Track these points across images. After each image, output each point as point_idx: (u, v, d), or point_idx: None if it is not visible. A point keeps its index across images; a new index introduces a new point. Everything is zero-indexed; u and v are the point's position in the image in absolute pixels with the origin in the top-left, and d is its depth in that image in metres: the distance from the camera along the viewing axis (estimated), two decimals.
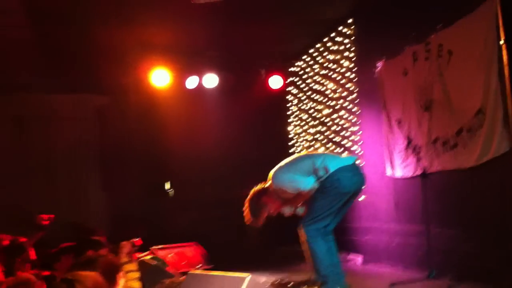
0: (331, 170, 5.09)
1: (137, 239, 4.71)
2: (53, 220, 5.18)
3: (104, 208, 10.15)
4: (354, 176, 5.24)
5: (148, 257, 5.74)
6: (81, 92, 10.20)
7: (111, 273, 3.31)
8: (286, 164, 5.42)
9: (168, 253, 6.31)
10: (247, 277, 3.78)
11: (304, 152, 9.74)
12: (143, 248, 6.21)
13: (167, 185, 10.06)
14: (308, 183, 5.13)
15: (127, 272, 4.29)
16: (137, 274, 4.39)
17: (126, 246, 4.41)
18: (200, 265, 6.26)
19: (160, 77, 9.25)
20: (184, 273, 4.91)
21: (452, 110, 5.79)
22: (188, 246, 6.83)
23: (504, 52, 3.66)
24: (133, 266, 4.40)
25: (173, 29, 8.14)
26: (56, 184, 10.06)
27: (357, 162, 5.47)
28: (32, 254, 5.00)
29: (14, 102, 9.81)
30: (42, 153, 10.03)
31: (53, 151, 10.13)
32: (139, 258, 5.57)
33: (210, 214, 9.65)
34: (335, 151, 8.56)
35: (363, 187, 5.42)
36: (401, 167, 6.77)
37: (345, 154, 6.91)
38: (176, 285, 4.65)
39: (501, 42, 3.69)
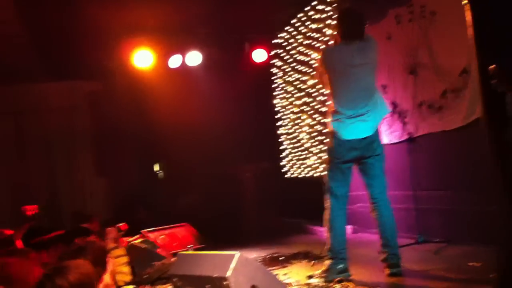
0: None
1: (122, 224, 4.67)
2: (38, 210, 5.11)
3: (101, 193, 10.19)
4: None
5: (138, 240, 5.71)
6: (71, 79, 10.13)
7: (100, 259, 3.29)
8: None
9: (159, 235, 6.27)
10: (237, 254, 3.74)
11: (289, 125, 9.75)
12: (137, 232, 6.20)
13: (156, 167, 10.02)
14: None
15: (116, 257, 4.27)
16: (125, 259, 4.37)
17: (111, 232, 4.37)
18: (191, 245, 6.24)
19: (142, 58, 9.12)
20: (175, 254, 4.87)
21: (437, 71, 5.76)
22: (179, 227, 6.80)
23: (468, 13, 3.58)
24: (121, 251, 4.38)
25: (154, 8, 7.99)
26: (52, 172, 10.10)
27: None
28: (19, 244, 4.96)
29: (9, 94, 9.75)
30: (36, 142, 10.03)
31: (47, 140, 10.12)
32: (129, 242, 5.55)
33: (203, 192, 9.63)
34: (321, 121, 8.51)
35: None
36: (387, 133, 6.73)
37: None
38: (167, 266, 4.62)
39: (464, 2, 3.61)
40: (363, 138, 4.73)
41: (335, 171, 4.88)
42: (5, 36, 7.94)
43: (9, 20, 7.64)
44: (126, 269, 4.30)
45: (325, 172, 5.00)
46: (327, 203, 4.85)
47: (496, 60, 2.97)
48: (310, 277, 4.63)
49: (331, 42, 5.40)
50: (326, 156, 5.09)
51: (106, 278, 3.27)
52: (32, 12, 7.66)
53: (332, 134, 4.85)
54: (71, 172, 10.16)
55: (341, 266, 4.61)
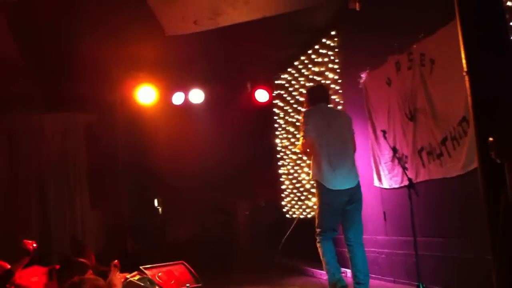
0: None
1: (115, 261, 4.66)
2: (36, 246, 5.12)
3: (93, 225, 10.13)
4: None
5: (136, 277, 5.66)
6: (69, 111, 10.19)
7: None
8: None
9: (156, 272, 6.23)
10: None
11: (290, 166, 9.77)
12: (132, 265, 6.16)
13: (156, 202, 10.02)
14: None
15: None
16: None
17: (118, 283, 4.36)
18: (188, 284, 6.20)
19: (146, 94, 9.23)
20: None
21: (436, 119, 5.81)
22: (176, 265, 6.76)
23: (467, 84, 3.69)
24: None
25: (157, 45, 8.12)
26: (46, 201, 10.06)
27: None
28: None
29: (3, 121, 9.78)
30: (32, 171, 10.01)
31: (42, 168, 10.10)
32: (127, 278, 5.51)
33: (198, 227, 9.62)
34: None
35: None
36: (388, 178, 6.77)
37: None
38: None
39: (464, 73, 3.72)
40: (349, 188, 5.54)
41: (325, 215, 5.56)
42: (4, 63, 7.99)
43: (7, 47, 7.65)
44: None
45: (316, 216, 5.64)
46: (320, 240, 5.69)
47: (493, 131, 3.07)
48: None
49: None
50: (317, 204, 5.64)
51: None
52: (33, 44, 7.76)
53: (318, 186, 5.55)
54: (64, 202, 10.12)
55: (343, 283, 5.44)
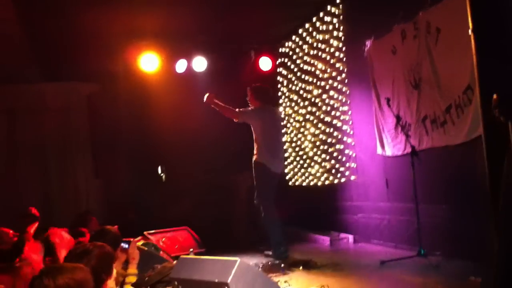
0: None
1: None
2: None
3: (95, 195, 10.14)
4: None
5: (140, 242, 5.74)
6: (70, 80, 10.11)
7: (105, 263, 3.28)
8: None
9: (160, 238, 6.33)
10: (238, 260, 3.77)
11: (293, 134, 9.79)
12: (136, 233, 6.24)
13: (159, 170, 10.05)
14: None
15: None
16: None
17: (122, 256, 4.40)
18: (192, 249, 6.28)
19: (149, 62, 9.17)
20: (176, 258, 4.91)
21: (440, 87, 5.79)
22: (180, 231, 6.85)
23: (473, 42, 3.66)
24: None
25: (161, 14, 8.04)
26: (49, 173, 10.03)
27: None
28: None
29: (4, 93, 9.73)
30: (34, 143, 9.97)
31: (45, 140, 10.07)
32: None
33: (202, 198, 9.66)
34: (326, 131, 8.56)
35: None
36: (391, 146, 6.78)
37: None
38: (168, 270, 4.64)
39: (469, 32, 3.68)
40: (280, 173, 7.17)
41: (268, 190, 6.84)
42: (4, 35, 7.93)
43: (9, 19, 7.57)
44: (134, 270, 4.34)
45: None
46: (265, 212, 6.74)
47: (496, 88, 3.05)
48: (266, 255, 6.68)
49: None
50: (257, 183, 6.88)
51: (111, 283, 3.28)
52: (35, 13, 7.66)
53: (263, 167, 6.82)
54: (66, 173, 10.11)
55: (283, 248, 6.61)
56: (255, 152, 6.99)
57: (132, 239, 4.64)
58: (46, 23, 7.97)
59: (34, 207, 5.02)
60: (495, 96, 2.93)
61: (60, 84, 10.12)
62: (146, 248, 5.43)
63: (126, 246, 4.41)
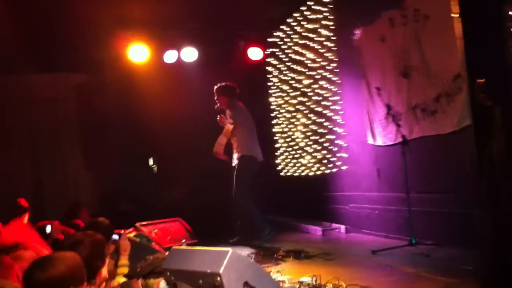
0: None
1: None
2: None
3: (86, 186, 10.11)
4: None
5: (132, 234, 5.72)
6: (59, 71, 10.02)
7: (97, 252, 3.29)
8: None
9: (152, 229, 6.30)
10: (230, 250, 3.77)
11: (284, 124, 9.78)
12: (128, 224, 6.20)
13: (151, 161, 10.02)
14: None
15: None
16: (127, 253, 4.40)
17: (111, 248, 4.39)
18: (184, 240, 6.27)
19: (137, 53, 9.10)
20: (169, 249, 4.89)
21: (430, 75, 5.79)
22: (172, 222, 6.83)
23: (457, 26, 3.65)
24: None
25: (149, 2, 7.98)
26: (40, 163, 9.98)
27: None
28: None
29: None
30: (24, 134, 9.90)
31: (34, 131, 10.00)
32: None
33: (194, 186, 9.65)
34: (317, 121, 8.56)
35: None
36: (381, 135, 6.79)
37: None
38: (160, 261, 4.63)
39: (454, 15, 3.67)
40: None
41: (250, 184, 7.20)
42: None
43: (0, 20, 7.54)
44: (126, 261, 4.33)
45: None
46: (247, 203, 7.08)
47: (484, 73, 3.05)
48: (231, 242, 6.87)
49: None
50: (244, 175, 7.16)
51: (104, 271, 3.29)
52: (22, 1, 7.58)
53: (254, 160, 7.27)
54: (56, 164, 10.06)
55: (268, 229, 7.03)
56: (238, 148, 7.28)
57: (123, 231, 4.62)
58: (34, 12, 7.87)
59: (24, 198, 4.98)
60: (480, 80, 2.91)
61: (48, 74, 10.02)
62: (138, 240, 5.41)
63: (117, 237, 4.40)
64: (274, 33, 9.92)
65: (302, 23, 8.88)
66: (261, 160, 7.43)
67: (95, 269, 3.19)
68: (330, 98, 8.13)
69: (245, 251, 6.19)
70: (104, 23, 8.33)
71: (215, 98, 7.57)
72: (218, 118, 7.52)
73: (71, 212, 7.06)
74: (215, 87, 7.59)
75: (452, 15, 3.73)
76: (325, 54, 8.16)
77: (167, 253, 4.88)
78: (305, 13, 8.71)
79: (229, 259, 3.67)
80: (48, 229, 4.49)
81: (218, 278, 3.58)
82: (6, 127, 9.77)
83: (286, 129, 9.81)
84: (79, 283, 2.60)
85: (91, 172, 10.21)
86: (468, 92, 3.71)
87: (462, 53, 3.90)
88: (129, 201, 9.49)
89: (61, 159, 10.11)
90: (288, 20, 9.30)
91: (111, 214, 5.44)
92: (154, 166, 10.00)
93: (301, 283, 4.18)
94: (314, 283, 4.17)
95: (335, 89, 7.99)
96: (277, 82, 10.12)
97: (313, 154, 8.77)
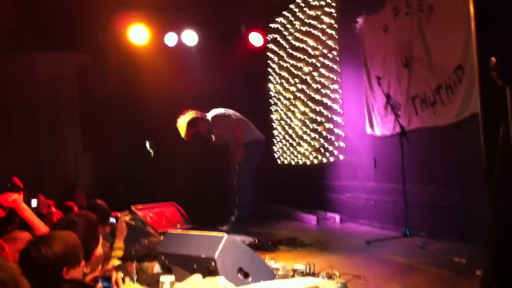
0: None
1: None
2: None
3: (85, 167, 10.08)
4: None
5: (128, 217, 5.72)
6: (61, 50, 9.96)
7: (91, 232, 3.30)
8: None
9: (147, 213, 6.31)
10: (225, 236, 3.77)
11: (282, 111, 9.75)
12: (124, 207, 6.20)
13: (147, 145, 9.98)
14: None
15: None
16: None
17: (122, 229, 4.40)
18: (179, 224, 6.27)
19: (138, 34, 9.04)
20: (163, 233, 4.89)
21: (431, 66, 5.77)
22: (167, 206, 6.83)
23: (471, 5, 3.59)
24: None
25: None
26: (39, 144, 9.93)
27: None
28: None
29: None
30: (25, 113, 9.84)
31: (35, 110, 9.92)
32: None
33: (193, 172, 9.62)
34: (315, 109, 8.53)
35: None
36: (380, 125, 6.77)
37: None
38: (155, 244, 4.63)
39: None
40: None
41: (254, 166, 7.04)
42: None
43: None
44: (121, 244, 4.33)
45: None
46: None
47: (497, 54, 2.98)
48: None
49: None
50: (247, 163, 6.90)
51: (98, 249, 3.30)
52: None
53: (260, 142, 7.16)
54: (56, 145, 10.01)
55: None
56: (240, 137, 6.98)
57: (119, 214, 4.62)
58: None
59: (18, 178, 4.95)
60: (493, 58, 2.85)
61: (50, 53, 9.93)
62: (133, 223, 5.41)
63: (114, 220, 4.39)
64: (276, 19, 9.85)
65: (304, 9, 8.81)
66: (263, 138, 7.27)
67: (90, 250, 3.20)
68: (329, 86, 8.09)
69: (239, 238, 6.19)
70: (106, 3, 8.27)
71: (193, 134, 7.15)
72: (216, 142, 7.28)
73: (66, 193, 7.03)
74: (184, 128, 7.14)
75: None
76: (326, 42, 8.10)
77: (162, 237, 4.90)
78: None
79: (224, 244, 3.68)
80: (34, 203, 4.46)
81: (213, 263, 3.59)
82: (7, 105, 9.74)
83: (284, 117, 9.78)
84: (76, 263, 2.62)
85: (91, 153, 10.18)
86: (478, 73, 3.64)
87: (471, 37, 3.84)
88: (126, 184, 9.47)
89: (61, 140, 10.05)
90: (290, 6, 9.23)
91: (108, 196, 5.42)
92: (151, 149, 9.96)
93: (295, 270, 4.18)
94: (307, 271, 4.17)
95: (335, 78, 7.95)
96: (277, 69, 10.07)
97: (310, 143, 8.75)
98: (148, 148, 9.84)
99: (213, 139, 7.23)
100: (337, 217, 7.65)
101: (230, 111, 7.26)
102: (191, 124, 7.02)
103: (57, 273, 2.54)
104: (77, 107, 10.13)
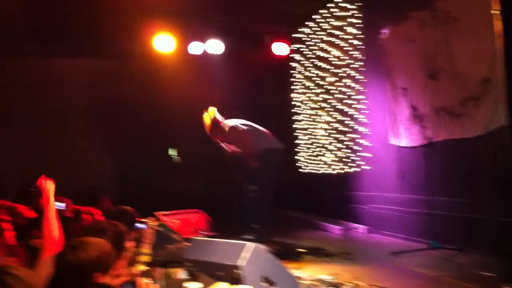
0: None
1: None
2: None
3: (110, 171, 10.22)
4: None
5: (154, 223, 5.75)
6: (88, 57, 10.15)
7: (118, 242, 3.32)
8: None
9: (172, 219, 6.34)
10: (250, 244, 3.79)
11: (305, 120, 9.75)
12: (147, 213, 6.24)
13: (172, 151, 10.07)
14: None
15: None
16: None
17: (148, 236, 4.45)
18: (204, 232, 6.30)
19: (164, 42, 9.14)
20: (188, 239, 4.93)
21: (457, 78, 5.73)
22: (193, 213, 6.86)
23: (498, 23, 3.59)
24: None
25: None
26: (63, 148, 10.11)
27: None
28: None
29: (23, 68, 9.78)
30: (52, 117, 10.06)
31: (61, 114, 10.15)
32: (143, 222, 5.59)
33: (211, 179, 9.67)
34: (339, 119, 8.52)
35: None
36: (405, 136, 6.73)
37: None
38: (180, 250, 4.67)
39: (493, 11, 3.61)
40: None
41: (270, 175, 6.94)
42: (25, 7, 7.94)
43: (34, 5, 7.62)
44: (147, 250, 4.37)
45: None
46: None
47: None
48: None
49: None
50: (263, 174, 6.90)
51: (122, 262, 3.31)
52: None
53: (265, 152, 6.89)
54: (81, 149, 10.19)
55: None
56: (250, 148, 6.97)
57: (147, 220, 4.66)
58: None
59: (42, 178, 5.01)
60: None
61: (78, 60, 10.16)
62: (159, 229, 5.44)
63: (141, 226, 4.43)
64: (300, 29, 9.88)
65: (328, 20, 8.82)
66: (280, 146, 7.11)
67: (115, 259, 3.23)
68: (354, 97, 8.07)
69: (263, 246, 6.19)
70: (133, 12, 8.38)
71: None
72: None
73: (90, 197, 7.09)
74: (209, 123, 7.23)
75: (492, 11, 3.67)
76: (351, 52, 8.10)
77: (187, 243, 4.92)
78: (332, 10, 8.65)
79: (249, 252, 3.70)
80: (63, 206, 4.53)
81: (238, 271, 3.60)
82: (35, 109, 9.95)
83: (307, 126, 9.78)
84: (106, 270, 2.65)
85: (113, 159, 10.32)
86: (505, 87, 3.63)
87: (499, 50, 3.84)
88: (146, 189, 9.56)
89: (84, 144, 10.23)
90: (315, 17, 9.25)
91: (130, 202, 5.48)
92: (175, 155, 10.04)
93: (319, 280, 4.17)
94: (333, 281, 4.17)
95: (360, 88, 7.93)
96: (301, 78, 10.08)
97: (334, 152, 8.73)
98: (171, 154, 9.92)
99: (226, 149, 7.27)
100: (362, 228, 7.61)
101: (240, 122, 7.20)
102: (213, 123, 7.17)
103: (89, 277, 2.58)
104: (102, 112, 10.30)
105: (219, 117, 7.21)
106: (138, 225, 4.43)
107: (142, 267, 4.22)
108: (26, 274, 2.15)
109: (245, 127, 7.09)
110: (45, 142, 9.93)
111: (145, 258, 4.27)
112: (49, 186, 3.70)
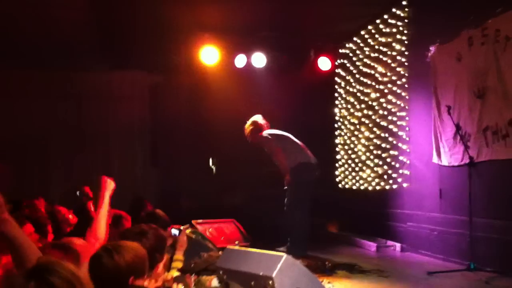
0: None
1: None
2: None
3: (153, 182, 10.39)
4: None
5: (188, 230, 5.80)
6: (135, 70, 10.39)
7: (158, 246, 3.36)
8: None
9: (207, 228, 6.38)
10: (284, 255, 3.76)
11: (346, 136, 9.68)
12: (185, 221, 6.31)
13: (210, 162, 10.17)
14: None
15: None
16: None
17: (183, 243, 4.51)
18: (238, 241, 6.31)
19: (209, 55, 9.26)
20: (222, 249, 4.94)
21: (506, 98, 5.60)
22: (227, 222, 6.89)
23: None
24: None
25: (224, 8, 8.12)
26: (109, 158, 10.36)
27: None
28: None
29: (73, 80, 10.11)
30: (99, 129, 10.33)
31: (108, 127, 10.41)
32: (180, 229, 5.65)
33: (252, 194, 9.69)
34: (381, 135, 8.43)
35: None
36: (448, 155, 6.60)
37: None
38: (214, 259, 4.68)
39: None
40: None
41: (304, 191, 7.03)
42: (76, 22, 8.20)
43: (81, 7, 7.84)
44: (181, 256, 4.41)
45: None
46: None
47: None
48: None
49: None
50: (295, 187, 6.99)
51: (160, 265, 3.35)
52: (106, 2, 7.90)
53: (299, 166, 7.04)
54: (126, 159, 10.41)
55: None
56: (282, 162, 7.13)
57: (181, 227, 4.70)
58: (115, 13, 8.18)
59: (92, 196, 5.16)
60: None
61: (125, 72, 10.44)
62: (194, 236, 5.49)
63: (176, 232, 4.48)
64: (346, 45, 9.85)
65: (375, 36, 8.77)
66: (314, 161, 7.17)
67: (155, 261, 3.26)
68: (397, 113, 7.98)
69: (298, 259, 6.16)
70: (180, 27, 8.54)
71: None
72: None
73: (134, 204, 7.21)
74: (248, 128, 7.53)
75: None
76: (396, 69, 8.02)
77: (220, 252, 4.94)
78: (380, 26, 8.60)
79: (283, 263, 3.67)
80: (177, 233, 4.70)
81: (271, 282, 3.58)
82: (84, 121, 10.23)
83: (348, 141, 9.71)
84: (142, 274, 2.68)
85: (157, 169, 10.50)
86: None
87: None
88: (189, 199, 9.67)
89: (131, 155, 10.45)
90: (361, 32, 9.21)
91: (170, 210, 5.55)
92: (214, 166, 10.13)
93: None
94: None
95: (403, 105, 7.84)
96: (344, 94, 10.04)
97: (374, 169, 8.63)
98: (211, 165, 10.02)
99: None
100: (398, 246, 7.49)
101: (275, 134, 7.36)
102: (254, 127, 7.45)
103: (124, 281, 2.60)
104: (147, 124, 10.52)
105: (261, 121, 7.43)
106: (174, 231, 4.48)
107: (176, 273, 4.25)
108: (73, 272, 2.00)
109: (274, 137, 7.26)
110: (91, 151, 10.21)
111: (178, 264, 4.31)
112: (109, 185, 3.75)
